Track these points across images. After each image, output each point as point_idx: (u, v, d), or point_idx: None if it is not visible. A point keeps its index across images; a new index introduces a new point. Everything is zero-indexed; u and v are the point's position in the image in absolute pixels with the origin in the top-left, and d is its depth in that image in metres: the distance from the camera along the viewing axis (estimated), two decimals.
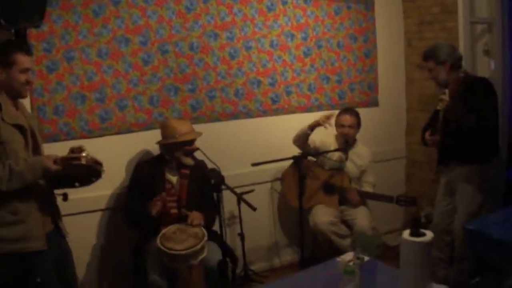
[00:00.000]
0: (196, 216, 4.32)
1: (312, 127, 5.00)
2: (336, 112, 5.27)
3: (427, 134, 4.63)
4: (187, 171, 4.55)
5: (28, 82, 3.30)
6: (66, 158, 3.24)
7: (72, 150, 3.31)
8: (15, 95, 3.30)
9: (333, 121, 5.08)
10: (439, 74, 4.44)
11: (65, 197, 3.47)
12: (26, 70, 3.25)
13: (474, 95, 4.25)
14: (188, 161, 4.51)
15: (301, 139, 5.15)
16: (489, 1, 5.86)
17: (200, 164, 4.61)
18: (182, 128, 4.48)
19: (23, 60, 3.23)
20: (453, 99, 4.12)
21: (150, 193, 4.39)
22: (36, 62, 4.36)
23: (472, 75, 4.65)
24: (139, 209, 4.36)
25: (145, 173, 4.51)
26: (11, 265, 3.22)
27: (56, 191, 3.50)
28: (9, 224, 3.16)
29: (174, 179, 4.54)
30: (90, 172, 3.38)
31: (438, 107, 4.23)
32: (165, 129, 4.55)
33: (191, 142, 4.53)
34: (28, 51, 3.31)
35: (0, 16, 3.58)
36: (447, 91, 4.22)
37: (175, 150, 4.49)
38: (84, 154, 3.27)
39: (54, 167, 3.17)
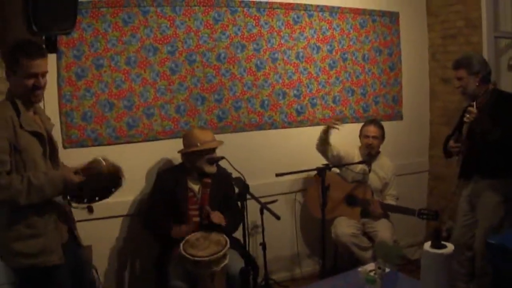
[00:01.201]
0: (217, 215, 4.39)
1: (326, 130, 5.10)
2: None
3: (451, 142, 4.59)
4: (209, 180, 4.59)
5: (36, 87, 3.12)
6: (86, 168, 3.21)
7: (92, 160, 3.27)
8: (25, 100, 3.15)
9: (340, 125, 5.09)
10: (468, 85, 4.34)
11: (90, 209, 3.39)
12: (32, 75, 3.09)
13: (502, 109, 4.20)
14: (211, 169, 4.55)
15: (319, 144, 5.25)
16: None
17: (223, 173, 4.63)
18: (203, 137, 4.53)
19: (27, 64, 3.06)
20: (480, 112, 4.09)
21: (172, 201, 4.46)
22: (65, 68, 4.46)
23: (500, 90, 4.59)
24: (159, 218, 4.44)
25: (168, 182, 4.56)
26: (28, 279, 3.16)
27: (80, 205, 3.38)
28: (27, 238, 3.09)
29: (196, 187, 4.58)
30: (111, 180, 3.33)
31: (465, 119, 4.17)
32: (187, 138, 4.60)
33: (212, 150, 4.57)
34: (37, 54, 3.13)
35: (31, 23, 3.65)
36: (474, 103, 4.17)
37: (197, 158, 4.53)
38: (103, 162, 3.25)
39: (76, 179, 3.11)
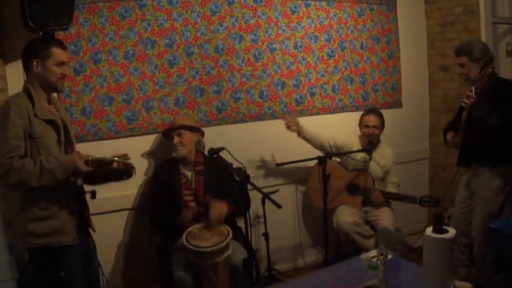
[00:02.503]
0: (217, 209, 4.34)
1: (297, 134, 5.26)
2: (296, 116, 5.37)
3: (449, 135, 4.61)
4: (200, 168, 4.63)
5: (63, 76, 3.34)
6: (98, 161, 3.28)
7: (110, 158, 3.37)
8: (51, 89, 3.36)
9: (296, 121, 5.24)
10: (470, 71, 4.33)
11: (93, 195, 3.53)
12: (61, 64, 3.30)
13: (500, 96, 4.18)
14: (174, 154, 4.57)
15: (311, 144, 5.32)
16: (511, 1, 5.85)
17: (217, 161, 4.63)
18: (175, 122, 4.65)
19: (59, 53, 3.29)
20: (479, 96, 4.07)
21: (168, 188, 4.51)
22: None
23: (498, 75, 4.58)
24: (161, 209, 4.46)
25: (163, 171, 4.61)
26: (39, 260, 3.27)
27: (85, 189, 3.53)
28: (41, 219, 3.20)
29: (189, 174, 4.62)
30: (122, 173, 3.43)
31: (463, 104, 4.13)
32: None
33: (170, 131, 4.63)
34: (63, 46, 3.36)
35: (28, 19, 3.66)
36: (473, 88, 4.13)
37: (170, 142, 4.62)
38: (117, 159, 3.33)
39: (85, 168, 3.20)
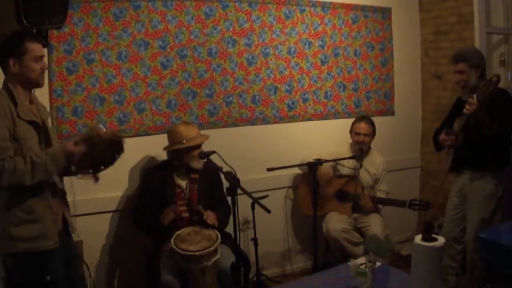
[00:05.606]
0: (210, 215, 4.38)
1: None
2: None
3: (442, 135, 4.54)
4: (196, 176, 4.59)
5: (43, 70, 3.23)
6: (86, 138, 3.20)
7: (90, 129, 3.32)
8: (32, 86, 3.25)
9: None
10: (470, 78, 4.34)
11: (95, 178, 3.37)
12: (39, 58, 3.19)
13: (496, 104, 4.16)
14: (197, 165, 4.54)
15: None
16: (505, 12, 5.87)
17: (209, 166, 4.60)
18: (188, 134, 4.53)
19: (34, 48, 3.16)
20: (481, 104, 4.07)
21: (161, 199, 4.46)
22: (56, 63, 4.44)
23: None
24: (148, 215, 4.44)
25: (155, 180, 4.56)
26: (24, 264, 3.18)
27: (86, 176, 3.36)
28: (25, 222, 3.12)
29: (183, 183, 4.58)
30: (112, 145, 3.34)
31: (465, 110, 4.10)
32: (172, 135, 4.59)
33: (198, 146, 4.55)
34: (38, 39, 3.25)
35: (22, 16, 3.63)
36: (475, 95, 4.14)
37: (183, 155, 4.53)
38: (102, 129, 3.26)
39: (76, 148, 3.11)
